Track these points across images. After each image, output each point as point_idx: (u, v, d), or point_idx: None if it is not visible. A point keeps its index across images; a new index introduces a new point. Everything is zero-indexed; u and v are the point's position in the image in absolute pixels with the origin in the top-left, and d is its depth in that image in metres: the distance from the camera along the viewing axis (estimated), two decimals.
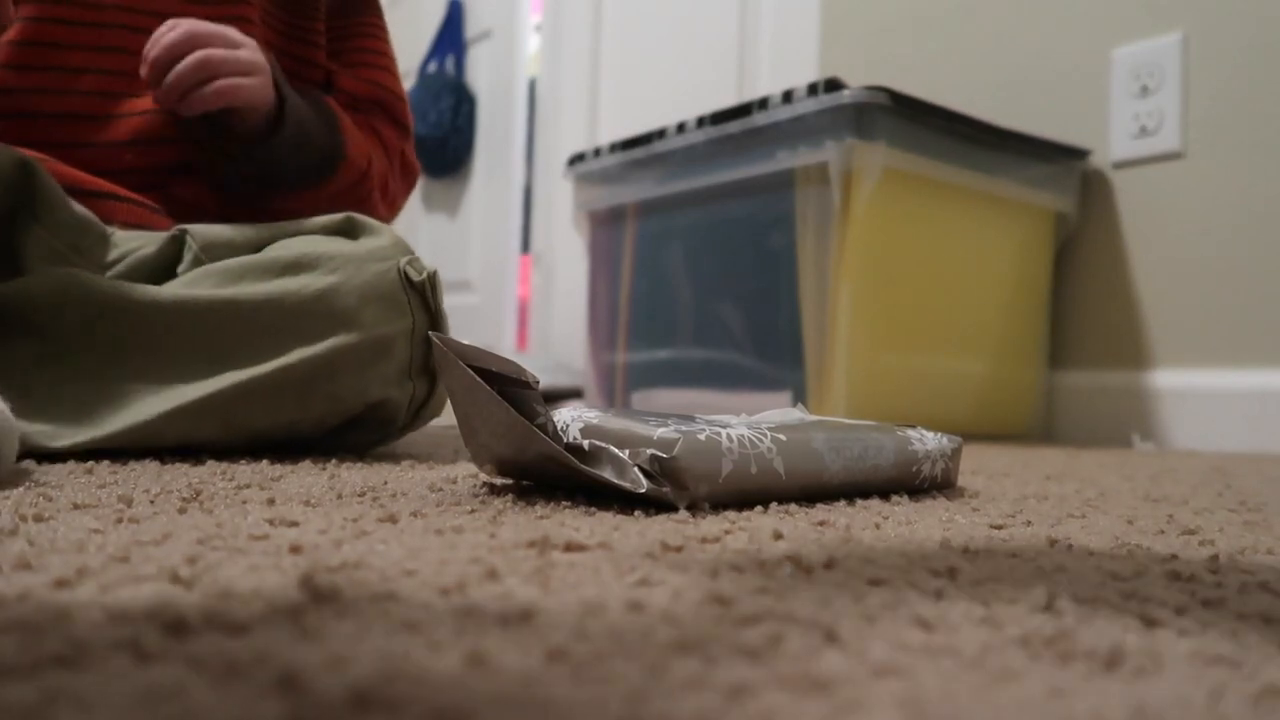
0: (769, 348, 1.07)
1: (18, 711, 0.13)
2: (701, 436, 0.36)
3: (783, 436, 0.39)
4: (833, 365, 1.00)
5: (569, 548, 0.26)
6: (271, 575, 0.21)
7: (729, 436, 0.37)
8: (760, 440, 0.38)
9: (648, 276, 1.23)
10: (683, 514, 0.34)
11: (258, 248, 0.61)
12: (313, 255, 0.57)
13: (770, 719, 0.13)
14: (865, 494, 0.43)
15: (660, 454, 0.35)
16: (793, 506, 0.38)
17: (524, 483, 0.43)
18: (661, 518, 0.33)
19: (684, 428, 0.36)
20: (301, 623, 0.18)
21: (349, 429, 0.59)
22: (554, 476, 0.39)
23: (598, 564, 0.24)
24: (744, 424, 0.39)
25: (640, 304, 1.24)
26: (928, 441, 0.46)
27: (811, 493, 0.40)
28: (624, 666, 0.16)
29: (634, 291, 1.25)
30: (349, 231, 0.63)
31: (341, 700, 0.13)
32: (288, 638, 0.17)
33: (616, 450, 0.36)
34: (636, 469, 0.35)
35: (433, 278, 0.59)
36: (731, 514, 0.35)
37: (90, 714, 0.13)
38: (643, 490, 0.35)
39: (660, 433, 0.36)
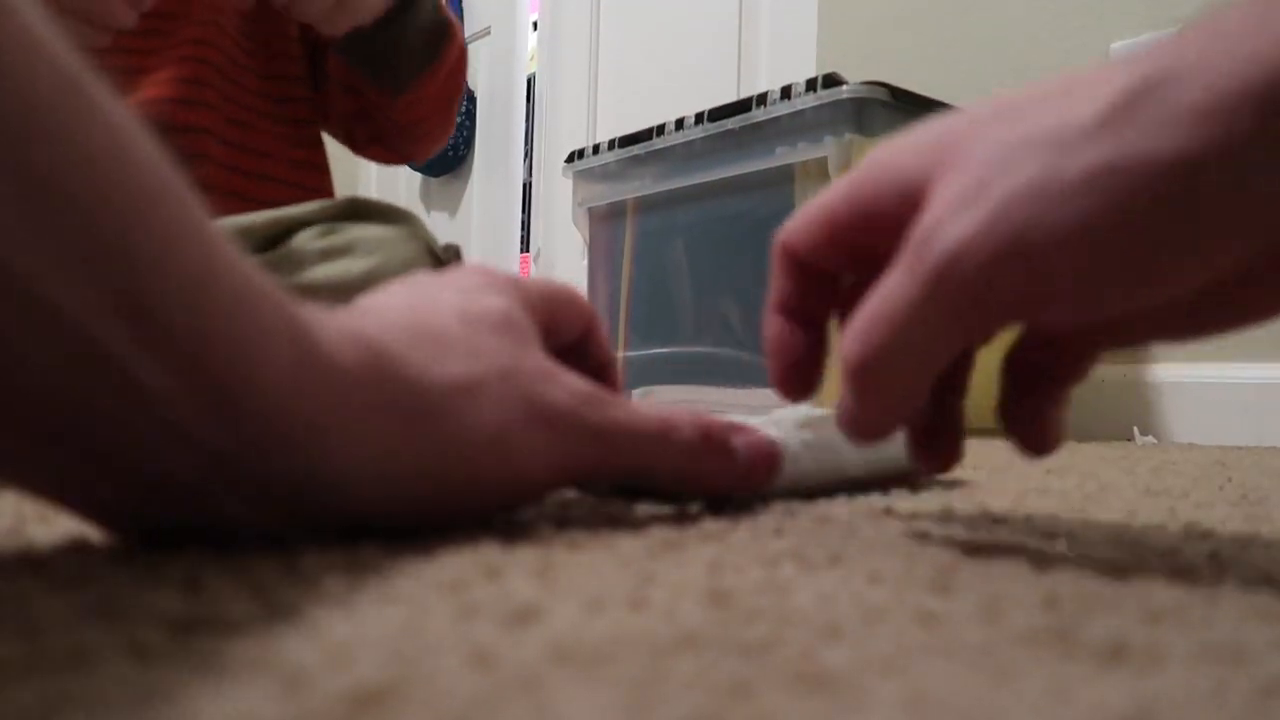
0: None
1: (18, 714, 0.13)
2: None
3: (808, 435, 0.40)
4: (834, 360, 1.00)
5: (571, 546, 0.26)
6: (273, 576, 0.21)
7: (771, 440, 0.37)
8: (790, 441, 0.38)
9: (648, 273, 1.23)
10: (683, 512, 0.34)
11: (267, 237, 0.60)
12: (343, 242, 0.57)
13: (770, 718, 0.13)
14: (867, 489, 0.43)
15: None
16: (794, 503, 0.38)
17: None
18: (662, 516, 0.33)
19: None
20: (303, 623, 0.18)
21: None
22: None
23: (599, 562, 0.24)
24: (772, 423, 0.40)
25: (640, 301, 1.24)
26: None
27: (831, 489, 0.40)
28: (625, 665, 0.16)
29: (634, 288, 1.25)
30: (354, 215, 0.63)
31: (343, 700, 0.13)
32: (289, 638, 0.17)
33: None
34: None
35: (457, 252, 0.60)
36: (733, 511, 0.35)
37: (91, 717, 0.13)
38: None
39: None
